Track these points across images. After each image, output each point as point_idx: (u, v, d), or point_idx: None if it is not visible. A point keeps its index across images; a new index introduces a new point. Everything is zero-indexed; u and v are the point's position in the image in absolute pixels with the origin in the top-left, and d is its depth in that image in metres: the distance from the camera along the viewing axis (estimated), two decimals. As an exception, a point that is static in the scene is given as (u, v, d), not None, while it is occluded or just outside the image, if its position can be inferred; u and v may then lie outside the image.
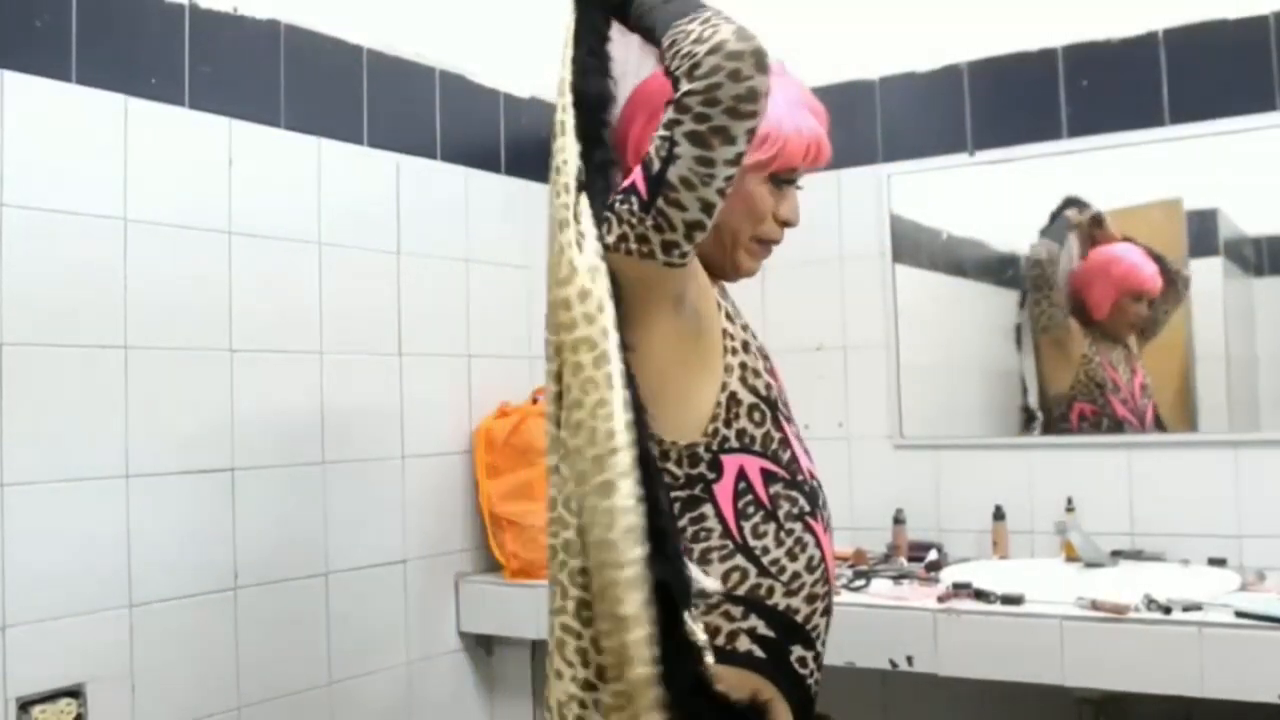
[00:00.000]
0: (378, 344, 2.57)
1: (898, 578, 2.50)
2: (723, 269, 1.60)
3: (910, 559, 2.68)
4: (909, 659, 2.23)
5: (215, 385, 2.24)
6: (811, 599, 1.49)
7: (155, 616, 2.10)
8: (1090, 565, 2.48)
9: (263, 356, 2.32)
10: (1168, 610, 2.07)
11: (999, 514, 2.67)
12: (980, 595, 2.24)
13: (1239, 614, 2.03)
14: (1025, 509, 2.69)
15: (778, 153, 1.52)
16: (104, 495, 2.05)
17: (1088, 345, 2.73)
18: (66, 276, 2.01)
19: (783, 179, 1.56)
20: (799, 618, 1.48)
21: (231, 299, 2.27)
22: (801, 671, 1.49)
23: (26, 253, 1.95)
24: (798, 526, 1.48)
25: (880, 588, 2.43)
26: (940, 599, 2.25)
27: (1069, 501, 2.60)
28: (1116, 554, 2.54)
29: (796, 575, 1.47)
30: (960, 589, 2.28)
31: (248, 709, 2.25)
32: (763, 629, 1.45)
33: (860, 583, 2.43)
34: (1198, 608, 2.07)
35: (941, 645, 2.20)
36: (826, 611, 1.54)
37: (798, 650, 1.48)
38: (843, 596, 2.36)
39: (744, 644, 1.44)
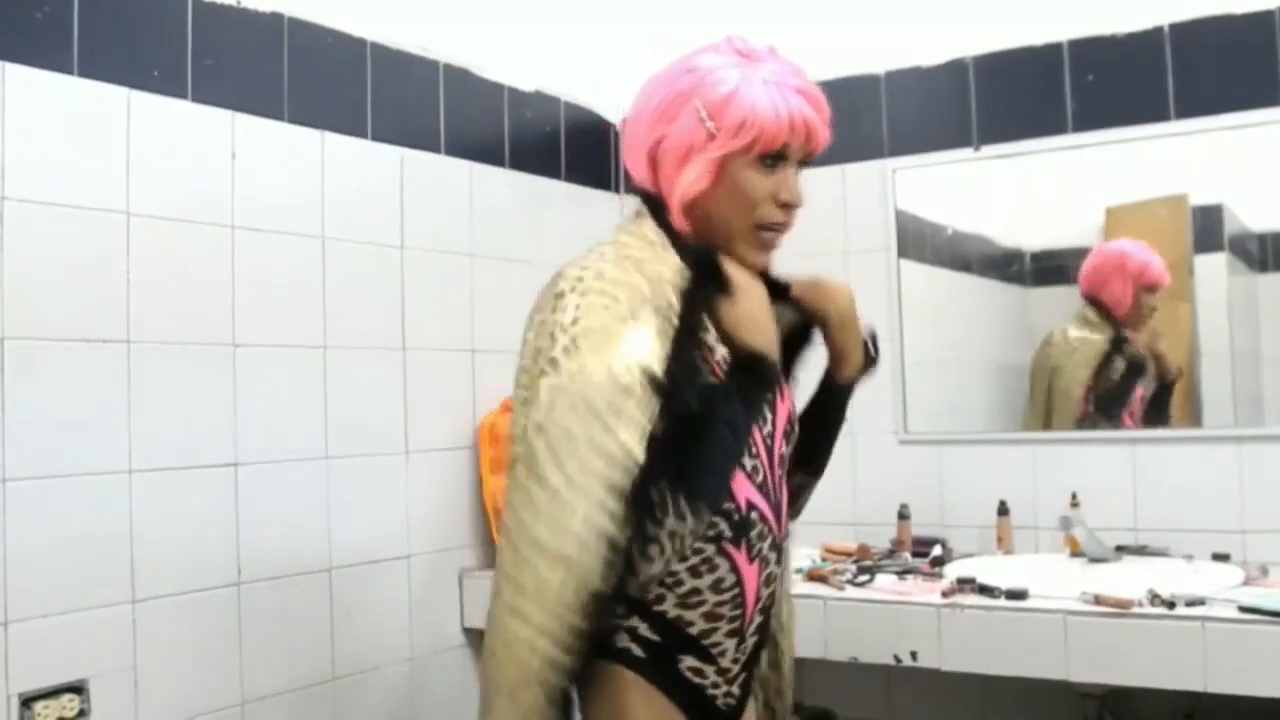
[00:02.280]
0: (381, 339, 2.56)
1: (902, 573, 2.50)
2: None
3: (914, 554, 2.68)
4: (913, 654, 2.23)
5: (218, 380, 2.23)
6: (713, 617, 1.49)
7: (158, 612, 2.10)
8: (1094, 560, 2.48)
9: (266, 351, 2.31)
10: (1171, 605, 2.07)
11: (1003, 509, 2.67)
12: (984, 590, 2.24)
13: (1242, 609, 2.03)
14: (1029, 504, 2.69)
15: (757, 136, 1.47)
16: (106, 490, 2.04)
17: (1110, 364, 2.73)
18: (68, 270, 2.01)
19: (774, 158, 1.51)
20: (693, 630, 1.49)
21: (234, 293, 2.26)
22: (697, 681, 1.50)
23: (28, 246, 1.95)
24: (709, 548, 1.47)
25: (884, 583, 2.42)
26: (944, 594, 2.25)
27: (1073, 497, 2.59)
28: (1120, 549, 2.54)
29: (696, 591, 1.48)
30: (964, 584, 2.28)
31: (251, 705, 2.25)
32: (644, 630, 1.48)
33: (864, 578, 2.43)
34: (1201, 603, 2.07)
35: (945, 640, 2.20)
36: (736, 634, 1.52)
37: (690, 660, 1.50)
38: (846, 591, 2.37)
39: (622, 640, 1.48)
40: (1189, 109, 2.56)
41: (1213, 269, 2.60)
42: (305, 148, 2.42)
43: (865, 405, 2.85)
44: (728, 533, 1.48)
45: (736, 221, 1.52)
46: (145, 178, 2.12)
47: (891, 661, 2.25)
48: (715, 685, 1.51)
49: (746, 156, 1.49)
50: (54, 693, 1.93)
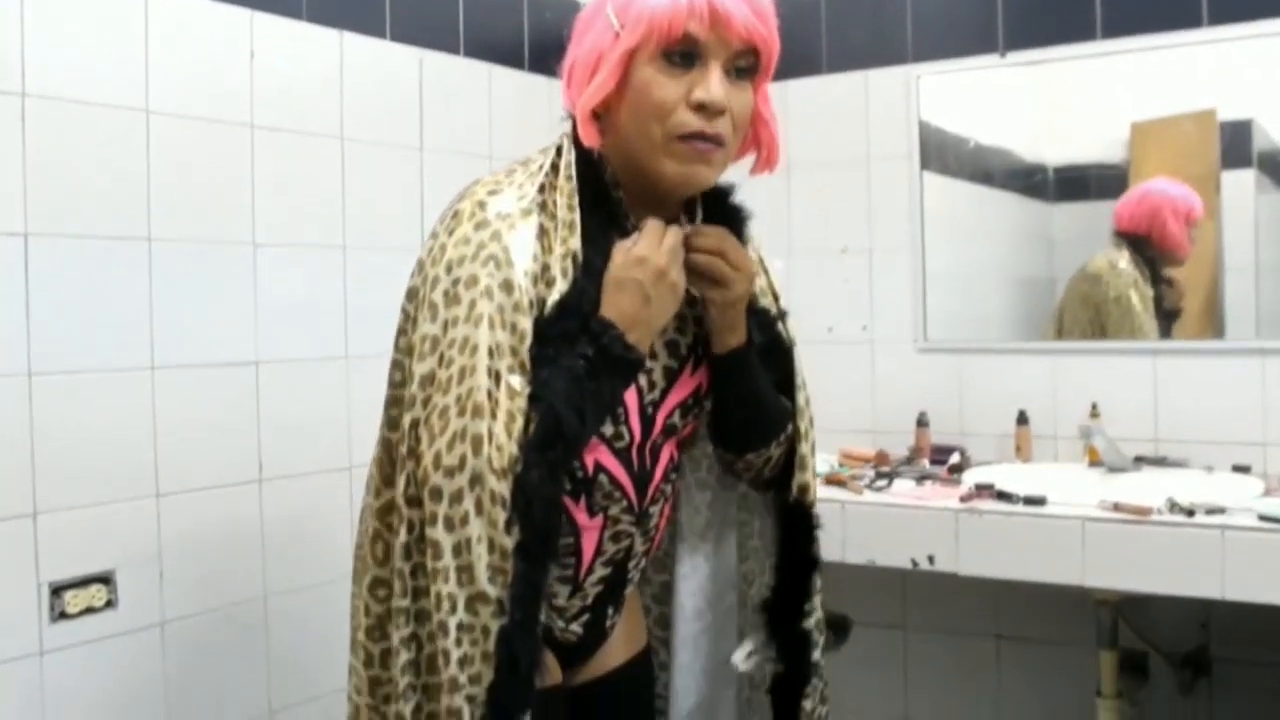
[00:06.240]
0: (401, 239, 2.54)
1: (920, 479, 2.51)
2: (655, 186, 1.37)
3: (932, 462, 2.68)
4: (930, 558, 2.24)
5: (239, 278, 2.23)
6: None
7: (182, 506, 2.12)
8: (1113, 470, 2.48)
9: (286, 251, 2.31)
10: (1190, 513, 2.07)
11: (1022, 418, 2.66)
12: (1002, 496, 2.25)
13: (1262, 517, 2.03)
14: (1049, 414, 2.68)
15: (649, 28, 1.31)
16: (129, 386, 2.05)
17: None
18: (89, 167, 2.00)
19: (679, 54, 1.31)
20: None
21: (254, 192, 2.25)
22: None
23: (49, 143, 1.94)
24: None
25: (902, 488, 2.43)
26: (962, 499, 2.26)
27: (1093, 407, 2.58)
28: (1140, 460, 2.53)
29: None
30: (983, 490, 2.29)
31: (274, 598, 2.28)
32: None
33: (883, 483, 2.44)
34: (1221, 511, 2.08)
35: (963, 545, 2.21)
36: (569, 581, 1.44)
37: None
38: (864, 496, 2.38)
39: None
40: (1223, 14, 2.50)
41: (1240, 185, 2.56)
42: (323, 47, 2.39)
43: (884, 313, 2.89)
44: (568, 486, 1.36)
45: (649, 132, 1.33)
46: (164, 76, 2.10)
47: (908, 565, 2.27)
48: (551, 618, 1.45)
49: (647, 52, 1.31)
50: (83, 582, 1.97)
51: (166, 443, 2.10)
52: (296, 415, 2.33)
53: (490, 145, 2.77)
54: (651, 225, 1.37)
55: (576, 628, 1.49)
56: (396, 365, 1.41)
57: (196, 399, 2.15)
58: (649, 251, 1.34)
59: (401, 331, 1.40)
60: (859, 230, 2.92)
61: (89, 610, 1.97)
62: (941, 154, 2.87)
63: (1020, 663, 2.74)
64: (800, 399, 1.55)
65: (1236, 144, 2.55)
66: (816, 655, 1.57)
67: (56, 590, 1.93)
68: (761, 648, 1.58)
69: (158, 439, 2.09)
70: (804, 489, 1.55)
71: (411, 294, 1.38)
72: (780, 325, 1.55)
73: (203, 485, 2.16)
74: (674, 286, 1.36)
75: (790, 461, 1.55)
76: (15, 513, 1.89)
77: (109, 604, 2.00)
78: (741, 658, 1.57)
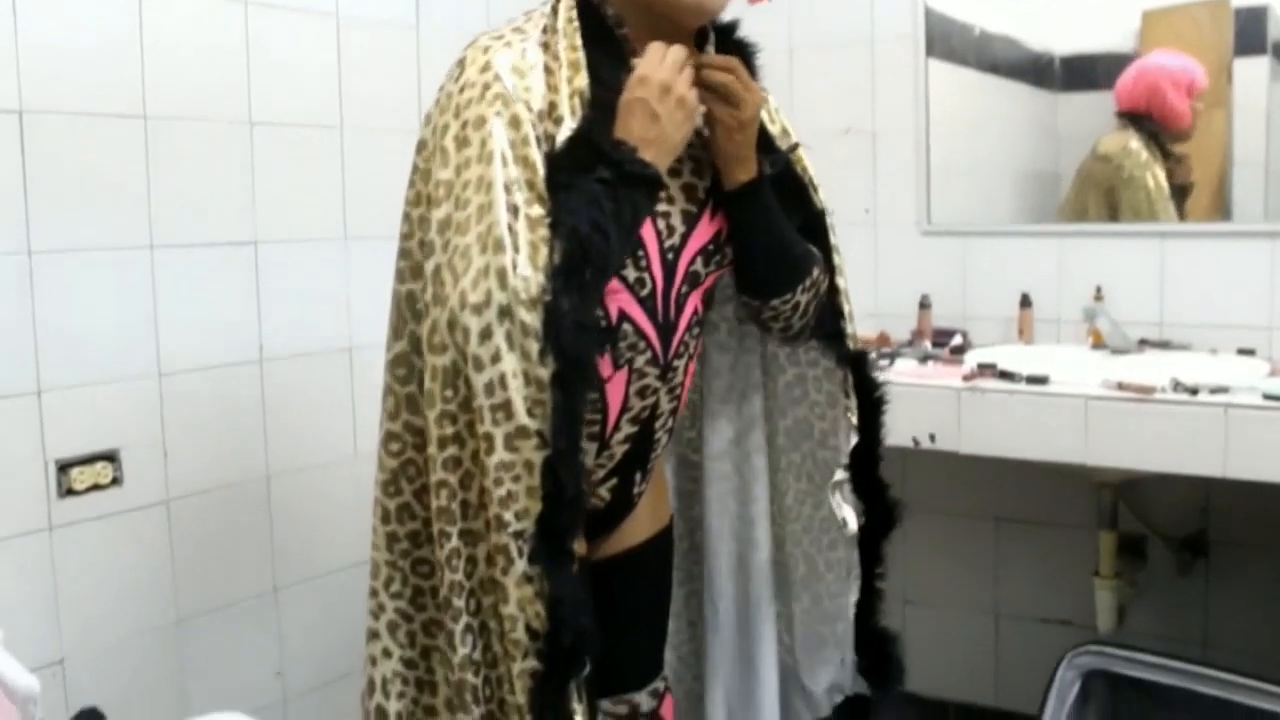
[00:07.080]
0: (398, 120, 2.50)
1: (923, 359, 2.50)
2: (670, 14, 1.40)
3: (934, 344, 2.67)
4: (931, 436, 2.25)
5: (236, 158, 2.20)
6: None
7: (184, 386, 2.12)
8: (1117, 352, 2.47)
9: (283, 130, 2.28)
10: (1194, 391, 2.07)
11: (1025, 301, 2.64)
12: (1005, 375, 2.24)
13: (1267, 396, 2.03)
14: (1052, 298, 2.66)
15: None
16: (129, 265, 2.04)
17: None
18: (82, 44, 1.96)
19: None
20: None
21: (249, 72, 2.21)
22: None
23: (41, 20, 1.90)
24: None
25: (905, 367, 2.43)
26: (965, 378, 2.25)
27: (1097, 291, 2.57)
28: (1144, 343, 2.52)
29: None
30: (985, 369, 2.28)
31: (277, 478, 2.29)
32: None
33: (885, 362, 2.43)
34: (1225, 390, 2.07)
35: (965, 423, 2.21)
36: (595, 438, 1.42)
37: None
38: (867, 375, 2.37)
39: None
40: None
41: (1253, 74, 2.51)
42: (316, -81, 2.34)
43: (887, 195, 2.86)
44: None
45: None
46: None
47: (910, 444, 2.27)
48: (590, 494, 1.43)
49: None
50: (88, 460, 1.97)
51: (167, 322, 2.09)
52: (296, 296, 2.31)
53: (488, 23, 2.70)
54: (652, 46, 1.37)
55: (604, 492, 1.49)
56: (406, 218, 1.40)
57: (196, 278, 2.14)
58: (650, 70, 1.35)
59: (411, 184, 1.40)
60: (862, 113, 2.87)
61: (95, 487, 1.98)
62: (947, 40, 2.81)
63: (1019, 544, 2.76)
64: (833, 239, 1.58)
65: (1250, 30, 2.49)
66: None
67: (63, 467, 1.94)
68: (854, 501, 1.62)
69: (158, 318, 2.08)
70: (854, 338, 1.61)
71: (421, 146, 1.38)
72: (797, 165, 1.56)
73: (204, 365, 2.16)
74: (682, 101, 1.35)
75: (834, 306, 1.59)
76: (19, 390, 1.89)
77: (115, 481, 2.01)
78: (853, 520, 1.62)
